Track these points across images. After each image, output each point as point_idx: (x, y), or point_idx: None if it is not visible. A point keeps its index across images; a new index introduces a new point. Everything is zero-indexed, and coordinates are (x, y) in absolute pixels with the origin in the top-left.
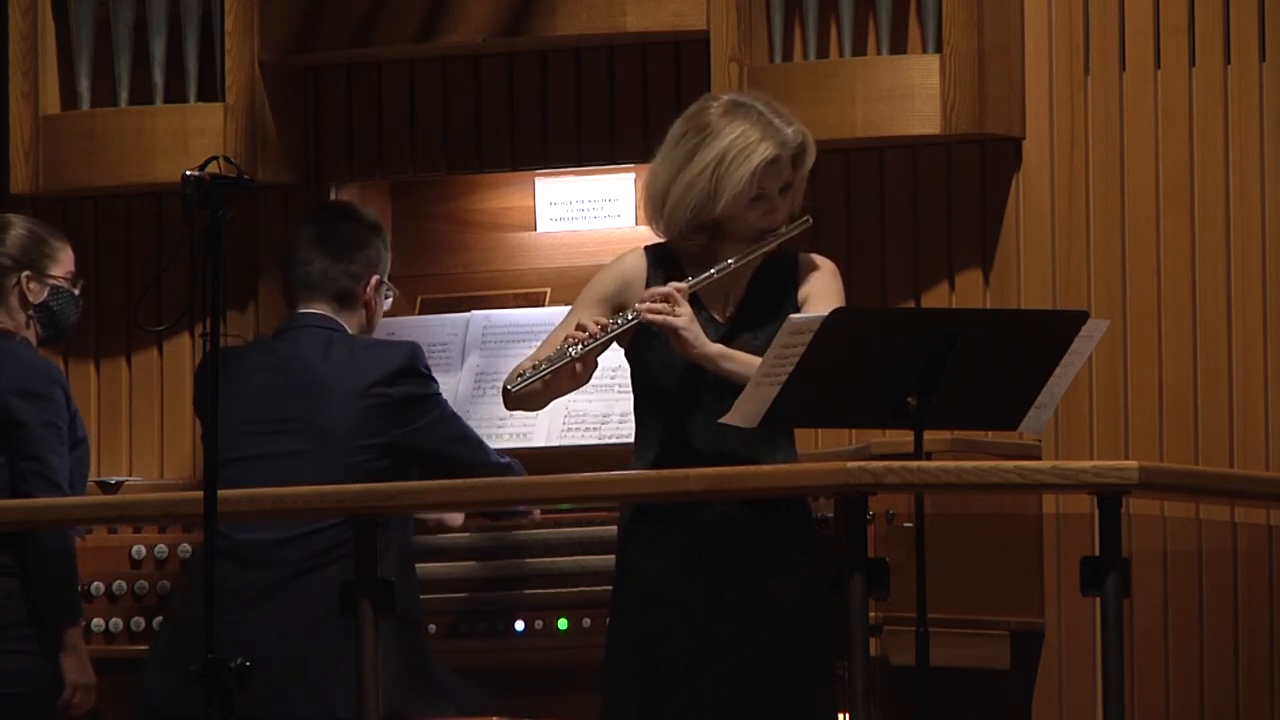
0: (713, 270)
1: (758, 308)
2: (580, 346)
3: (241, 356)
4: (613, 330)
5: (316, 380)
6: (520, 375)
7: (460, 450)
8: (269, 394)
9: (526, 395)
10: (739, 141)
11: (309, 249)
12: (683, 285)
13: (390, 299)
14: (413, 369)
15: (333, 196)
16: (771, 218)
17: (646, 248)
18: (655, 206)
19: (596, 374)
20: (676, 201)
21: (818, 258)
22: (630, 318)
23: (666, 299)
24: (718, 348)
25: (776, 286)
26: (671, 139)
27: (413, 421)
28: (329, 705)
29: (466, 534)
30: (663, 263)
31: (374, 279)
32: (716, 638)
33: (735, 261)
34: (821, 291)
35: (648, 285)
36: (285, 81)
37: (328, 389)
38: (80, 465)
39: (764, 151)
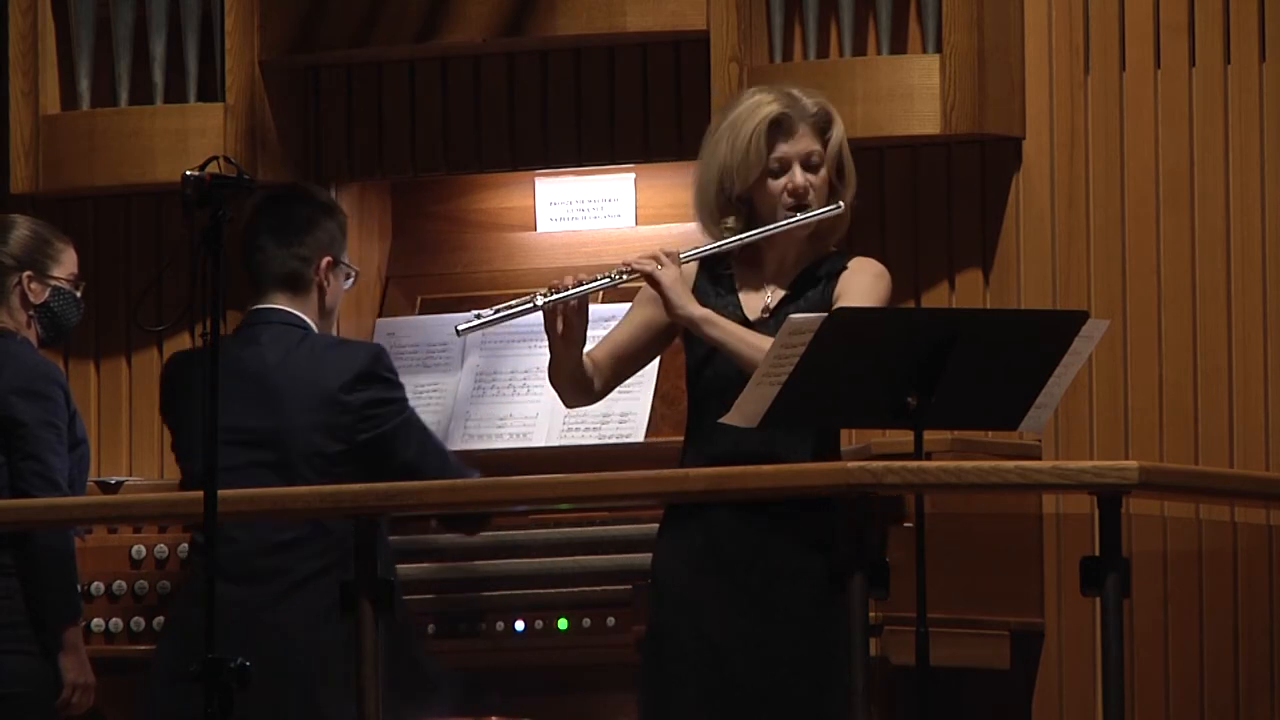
0: (716, 244)
1: (794, 304)
2: (549, 297)
3: (197, 360)
4: (588, 284)
5: (274, 386)
6: (477, 315)
7: (417, 460)
8: (228, 402)
9: (552, 377)
10: (750, 106)
11: (260, 235)
12: (673, 250)
13: (351, 280)
14: (372, 374)
15: (332, 196)
16: (792, 189)
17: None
18: (693, 196)
19: None
20: (704, 177)
21: (867, 260)
22: (612, 276)
23: (654, 259)
24: (702, 311)
25: (816, 284)
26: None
27: (372, 428)
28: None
29: (463, 534)
30: (713, 265)
31: (325, 260)
32: (728, 640)
33: (746, 237)
34: (856, 291)
35: (695, 287)
36: (285, 81)
37: (286, 394)
38: (80, 465)
39: (769, 110)
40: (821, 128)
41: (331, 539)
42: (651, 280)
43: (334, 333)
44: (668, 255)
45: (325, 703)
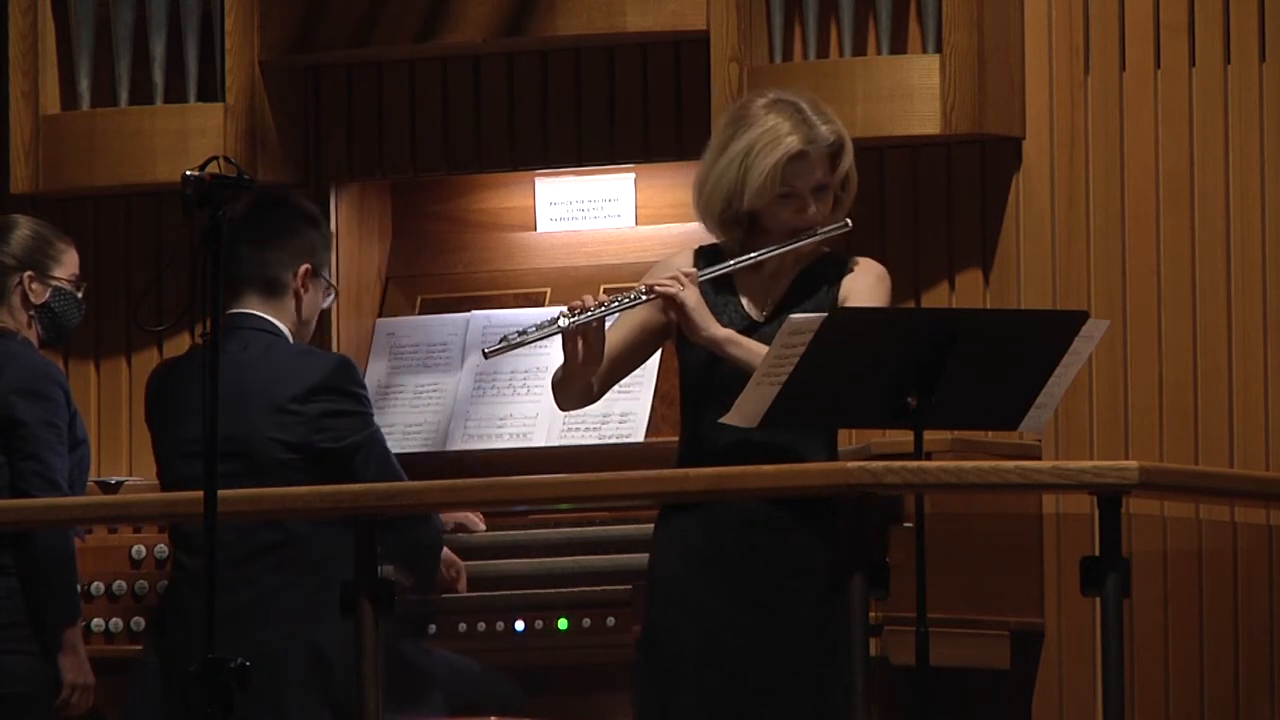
0: (730, 263)
1: (797, 306)
2: (572, 319)
3: (180, 369)
4: (612, 306)
5: (240, 395)
6: (503, 339)
7: (369, 479)
8: (195, 414)
9: (557, 386)
10: (768, 134)
11: (239, 239)
12: (692, 271)
13: (332, 298)
14: (331, 385)
15: (332, 196)
16: (804, 216)
17: (697, 248)
18: (695, 198)
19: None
20: (710, 192)
21: (868, 261)
22: (634, 297)
23: (675, 281)
24: (725, 332)
25: (819, 286)
26: (715, 131)
27: (331, 439)
28: None
29: (464, 534)
30: (711, 263)
31: (303, 268)
32: (730, 637)
33: (756, 256)
34: (862, 293)
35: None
36: (285, 81)
37: (249, 403)
38: (80, 466)
39: (790, 145)
40: (834, 154)
41: (300, 547)
42: (675, 303)
43: (320, 321)
44: (686, 275)
45: (295, 713)
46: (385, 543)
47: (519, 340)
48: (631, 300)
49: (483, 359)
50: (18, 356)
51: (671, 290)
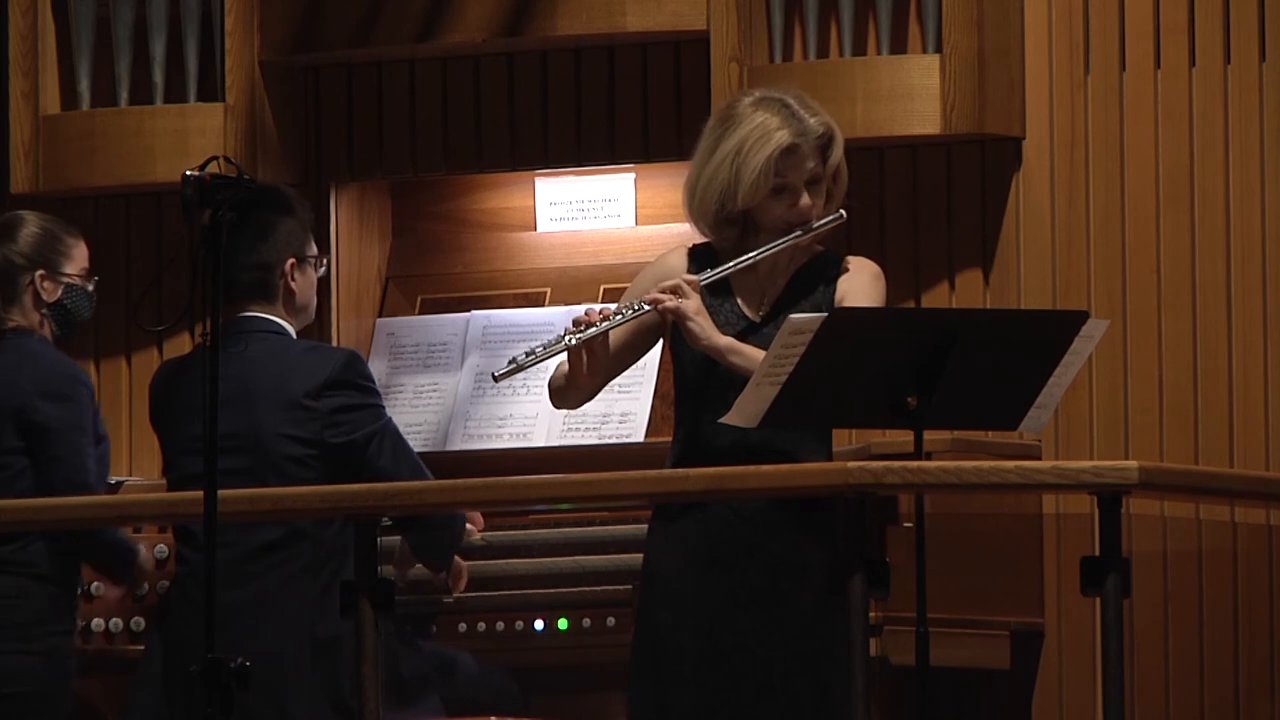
0: (730, 264)
1: (793, 306)
2: (578, 336)
3: (185, 369)
4: (616, 320)
5: (248, 392)
6: (511, 361)
7: (390, 469)
8: (202, 410)
9: (557, 391)
10: (757, 131)
11: (234, 247)
12: (694, 278)
13: (323, 268)
14: (342, 380)
15: (332, 196)
16: (797, 210)
17: (690, 247)
18: (687, 201)
19: None
20: (703, 193)
21: (862, 260)
22: (635, 308)
23: (675, 290)
24: (726, 340)
25: (814, 285)
26: (704, 133)
27: (344, 434)
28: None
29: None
30: (705, 262)
31: (289, 263)
32: (729, 636)
33: (756, 255)
34: (859, 293)
35: None
36: (285, 81)
37: (258, 400)
38: (102, 463)
39: (780, 139)
40: (824, 145)
41: (305, 543)
42: (677, 313)
43: (320, 321)
44: (688, 283)
45: (297, 710)
46: (408, 535)
47: (527, 362)
48: (635, 311)
49: (492, 381)
50: (39, 356)
51: (673, 304)
